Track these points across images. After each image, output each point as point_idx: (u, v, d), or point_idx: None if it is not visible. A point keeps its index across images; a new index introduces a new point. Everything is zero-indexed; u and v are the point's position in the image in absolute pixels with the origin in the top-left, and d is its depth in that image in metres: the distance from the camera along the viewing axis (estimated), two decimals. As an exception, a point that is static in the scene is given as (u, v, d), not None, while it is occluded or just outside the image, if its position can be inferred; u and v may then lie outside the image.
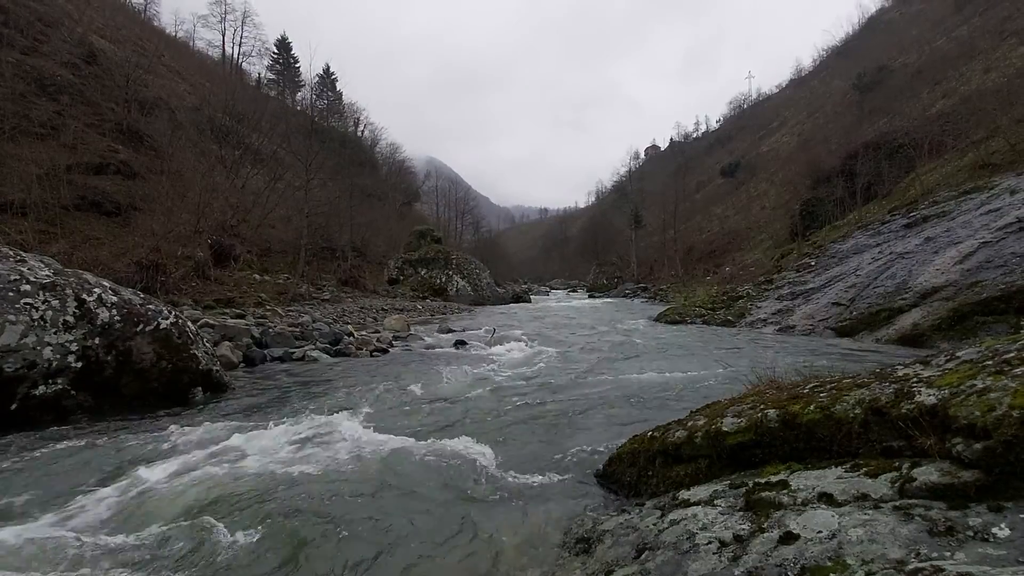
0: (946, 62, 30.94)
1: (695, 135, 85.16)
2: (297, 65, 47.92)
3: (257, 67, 47.59)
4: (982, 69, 27.15)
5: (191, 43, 42.71)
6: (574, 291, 46.19)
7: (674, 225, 39.46)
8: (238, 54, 45.84)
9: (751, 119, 67.80)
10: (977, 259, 8.40)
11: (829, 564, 1.30)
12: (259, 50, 47.22)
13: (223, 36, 45.32)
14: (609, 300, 29.81)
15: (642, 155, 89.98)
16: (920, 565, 1.15)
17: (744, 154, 54.59)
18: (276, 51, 48.09)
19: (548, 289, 49.61)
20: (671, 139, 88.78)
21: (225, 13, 44.84)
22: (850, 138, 28.54)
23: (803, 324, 10.24)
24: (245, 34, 46.80)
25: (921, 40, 39.66)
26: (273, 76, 47.97)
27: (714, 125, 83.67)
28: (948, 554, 1.19)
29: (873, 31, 54.85)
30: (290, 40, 48.09)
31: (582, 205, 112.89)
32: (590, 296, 36.61)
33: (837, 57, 57.56)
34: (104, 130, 16.52)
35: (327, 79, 48.72)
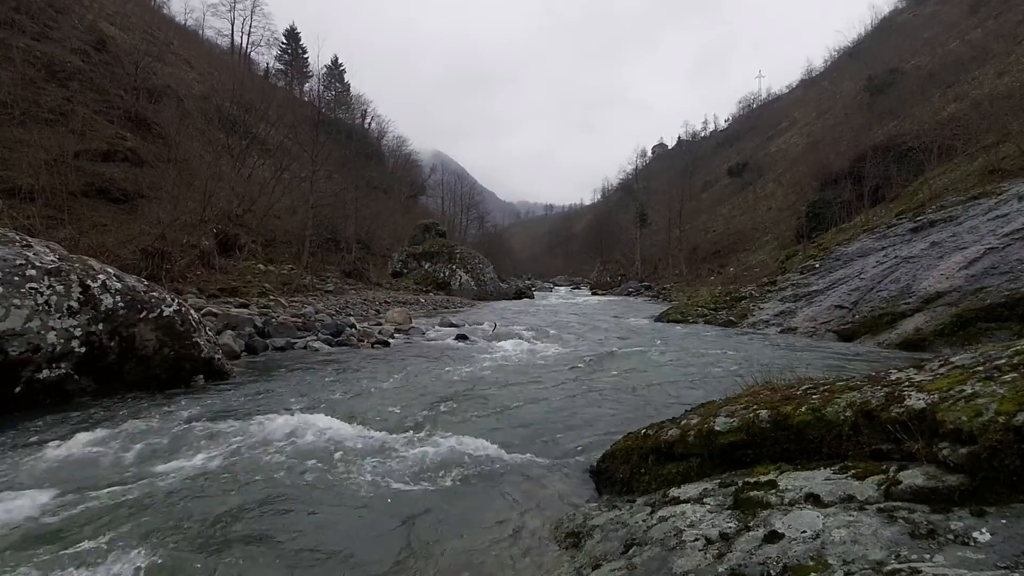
0: (959, 65, 30.59)
1: (703, 134, 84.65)
2: (306, 56, 48.00)
3: (265, 57, 47.70)
4: (995, 73, 26.86)
5: (200, 32, 42.75)
6: (577, 288, 46.17)
7: (679, 224, 39.35)
8: (247, 44, 45.88)
9: (760, 119, 67.35)
10: (982, 265, 8.35)
11: (811, 564, 1.32)
12: (268, 40, 47.31)
13: (232, 25, 45.37)
14: (612, 298, 29.79)
15: (649, 153, 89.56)
16: (898, 566, 1.16)
17: (752, 154, 54.28)
18: (285, 41, 48.13)
19: (552, 286, 49.62)
20: (679, 138, 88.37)
21: (235, 2, 44.86)
22: (859, 140, 28.32)
23: (805, 326, 10.21)
24: (254, 24, 46.83)
25: (934, 42, 39.27)
26: (281, 66, 48.02)
27: (722, 124, 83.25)
28: (928, 556, 1.20)
29: (886, 32, 54.29)
30: (299, 31, 48.12)
31: (587, 203, 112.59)
32: (593, 294, 36.61)
33: (848, 58, 57.00)
34: (112, 117, 16.59)
35: (335, 70, 48.72)
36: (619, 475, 2.75)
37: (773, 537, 1.48)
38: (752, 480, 1.93)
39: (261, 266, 15.85)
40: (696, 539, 1.65)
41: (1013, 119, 16.98)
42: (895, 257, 10.47)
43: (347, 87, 49.93)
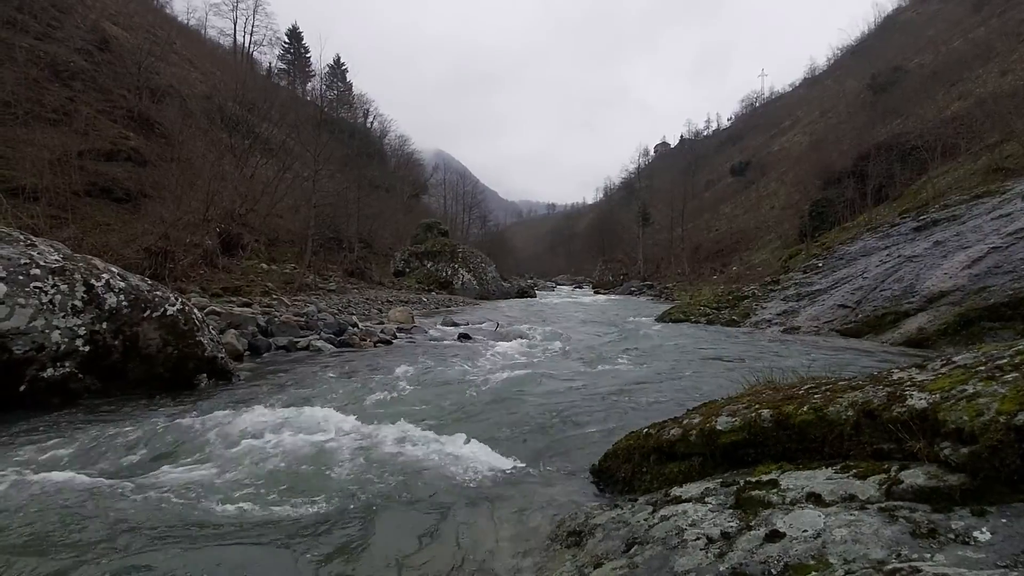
0: (962, 64, 30.48)
1: (706, 133, 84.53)
2: (308, 55, 48.08)
3: (268, 56, 47.73)
4: (999, 71, 26.75)
5: (203, 31, 42.83)
6: (580, 287, 46.17)
7: (682, 223, 39.32)
8: (249, 43, 45.92)
9: (763, 118, 67.21)
10: (986, 264, 8.32)
11: (812, 563, 1.32)
12: (270, 39, 47.32)
13: (235, 25, 45.42)
14: (614, 297, 29.78)
15: (651, 152, 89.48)
16: (899, 565, 1.17)
17: (755, 153, 54.18)
18: (287, 41, 48.19)
19: (554, 285, 49.63)
20: (681, 136, 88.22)
21: (237, 2, 44.90)
22: (862, 139, 28.22)
23: (808, 325, 10.19)
24: (256, 23, 46.83)
25: (937, 41, 39.14)
26: (284, 66, 48.10)
27: (725, 123, 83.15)
28: (928, 555, 1.21)
29: (889, 31, 54.15)
30: (301, 30, 48.18)
31: (590, 201, 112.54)
32: (596, 292, 36.62)
33: (852, 56, 56.88)
34: (116, 117, 16.64)
35: (337, 70, 48.78)
36: (621, 474, 2.76)
37: (774, 536, 1.48)
38: (754, 479, 1.93)
39: (264, 265, 15.90)
40: (697, 538, 1.65)
41: (1017, 118, 16.90)
42: (898, 256, 10.44)
43: (349, 86, 50.02)
